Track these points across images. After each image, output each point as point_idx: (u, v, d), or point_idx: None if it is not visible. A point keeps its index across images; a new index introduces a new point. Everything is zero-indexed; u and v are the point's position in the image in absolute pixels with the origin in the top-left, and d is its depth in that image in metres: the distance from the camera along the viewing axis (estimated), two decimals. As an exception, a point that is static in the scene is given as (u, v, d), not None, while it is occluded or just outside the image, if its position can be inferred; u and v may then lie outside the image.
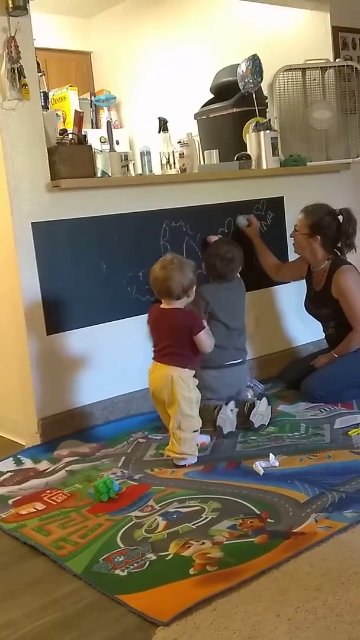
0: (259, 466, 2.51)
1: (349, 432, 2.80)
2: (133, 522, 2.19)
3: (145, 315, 3.20)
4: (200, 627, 1.63)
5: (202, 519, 2.17)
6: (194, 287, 2.76)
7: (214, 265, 3.16)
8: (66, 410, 3.03)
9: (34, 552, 2.08)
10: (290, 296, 3.77)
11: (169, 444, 2.70)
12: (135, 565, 1.93)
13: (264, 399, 2.99)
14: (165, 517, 2.20)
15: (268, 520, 2.12)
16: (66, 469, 2.70)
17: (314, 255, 3.38)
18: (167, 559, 1.95)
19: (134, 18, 5.23)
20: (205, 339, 2.73)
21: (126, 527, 2.16)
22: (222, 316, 3.13)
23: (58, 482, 2.58)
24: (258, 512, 2.17)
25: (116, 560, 1.96)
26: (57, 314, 2.97)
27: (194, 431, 2.68)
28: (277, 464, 2.54)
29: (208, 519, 2.16)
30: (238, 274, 3.33)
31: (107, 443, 2.95)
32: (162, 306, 2.76)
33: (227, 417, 2.90)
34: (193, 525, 2.13)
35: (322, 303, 3.39)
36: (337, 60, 3.99)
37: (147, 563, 1.93)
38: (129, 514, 2.24)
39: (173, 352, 2.69)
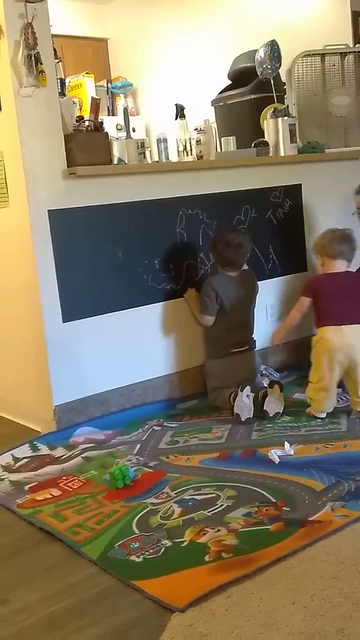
0: (275, 454, 2.50)
1: (366, 421, 2.78)
2: (148, 508, 2.20)
3: (160, 303, 3.21)
4: (216, 613, 1.63)
5: (218, 506, 2.17)
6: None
7: (222, 252, 3.15)
8: (82, 397, 3.04)
9: (50, 537, 2.10)
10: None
11: (356, 406, 2.86)
12: (151, 551, 1.93)
13: (276, 386, 2.98)
14: (181, 504, 2.20)
15: (284, 508, 2.11)
16: (82, 455, 2.71)
17: None
18: (182, 545, 1.95)
19: (151, 4, 5.20)
20: None
21: (141, 513, 2.17)
22: (229, 308, 3.15)
23: (74, 468, 2.60)
24: (274, 500, 2.17)
25: (132, 546, 1.97)
26: (73, 301, 2.98)
27: None
28: (292, 452, 2.53)
29: (223, 506, 2.16)
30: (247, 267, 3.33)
31: (123, 430, 2.96)
32: (336, 271, 2.96)
33: (244, 404, 2.90)
34: (208, 512, 2.13)
35: None
36: (357, 45, 3.94)
37: (163, 549, 1.94)
38: (144, 501, 2.25)
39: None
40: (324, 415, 2.89)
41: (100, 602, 1.75)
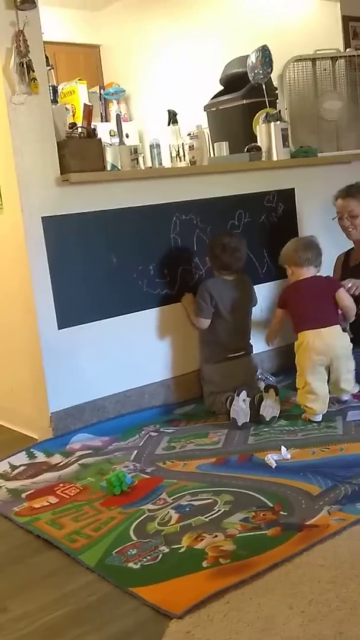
0: (271, 459, 2.50)
1: (362, 425, 2.79)
2: (146, 515, 2.20)
3: (156, 309, 3.22)
4: (214, 619, 1.63)
5: (215, 511, 2.17)
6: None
7: (218, 256, 3.17)
8: (78, 403, 3.03)
9: (47, 545, 2.09)
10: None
11: (337, 390, 3.02)
12: (148, 558, 1.93)
13: (271, 390, 2.98)
14: (178, 510, 2.20)
15: (281, 512, 2.11)
16: (79, 462, 2.71)
17: None
18: (180, 551, 1.95)
19: (143, 10, 5.22)
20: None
21: (139, 520, 2.17)
22: (224, 311, 3.16)
23: (71, 475, 2.59)
24: (271, 505, 2.17)
25: (129, 553, 1.97)
26: (68, 308, 2.98)
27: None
28: (289, 456, 2.53)
29: (221, 511, 2.16)
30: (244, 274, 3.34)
31: (120, 436, 2.96)
32: (304, 277, 3.07)
33: (241, 408, 2.91)
34: (206, 518, 2.13)
35: (356, 274, 3.37)
36: (347, 50, 3.96)
37: (160, 556, 1.94)
38: (141, 507, 2.25)
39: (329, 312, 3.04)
40: (319, 418, 2.91)
41: (99, 609, 1.75)
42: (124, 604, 1.75)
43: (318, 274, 3.13)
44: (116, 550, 1.99)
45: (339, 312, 3.09)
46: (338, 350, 2.97)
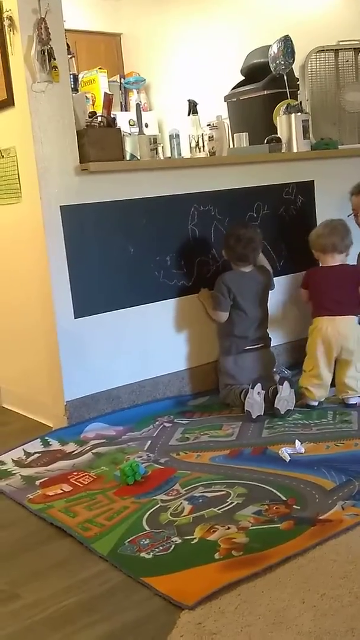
0: (285, 452, 2.49)
1: (378, 420, 2.77)
2: (159, 505, 2.20)
3: (172, 300, 3.22)
4: (225, 611, 1.63)
5: (228, 503, 2.16)
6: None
7: (234, 247, 3.15)
8: (93, 393, 3.04)
9: (60, 533, 2.10)
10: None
11: (342, 390, 2.98)
12: (161, 548, 1.94)
13: (286, 383, 2.97)
14: (191, 501, 2.20)
15: (294, 506, 2.11)
16: (93, 451, 2.72)
17: None
18: (192, 543, 1.95)
19: (164, -1, 5.19)
20: None
21: (152, 510, 2.17)
22: (243, 304, 3.15)
23: (85, 464, 2.60)
24: (284, 499, 2.17)
25: (142, 542, 1.97)
26: (84, 297, 2.98)
27: None
28: (303, 450, 2.52)
29: (234, 504, 2.16)
30: (265, 263, 3.32)
31: (134, 426, 2.96)
32: (330, 264, 3.06)
33: (255, 401, 2.90)
34: (218, 510, 2.13)
35: None
36: (371, 41, 3.91)
37: (173, 546, 1.94)
38: (154, 497, 2.25)
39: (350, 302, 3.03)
40: (316, 403, 2.98)
41: (110, 598, 1.76)
42: (136, 594, 1.76)
43: (345, 262, 3.11)
44: (129, 540, 2.00)
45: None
46: (349, 342, 2.96)
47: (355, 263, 3.52)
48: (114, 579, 1.84)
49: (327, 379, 3.00)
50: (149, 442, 2.77)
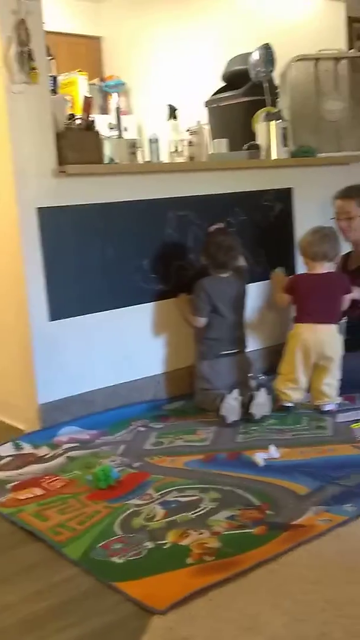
0: (260, 457, 2.49)
1: (352, 426, 2.78)
2: (131, 510, 2.18)
3: (149, 304, 3.22)
4: (196, 616, 1.62)
5: (201, 508, 2.16)
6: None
7: (214, 254, 3.16)
8: (67, 396, 3.02)
9: (31, 537, 2.08)
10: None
11: (318, 397, 2.99)
12: (133, 553, 1.92)
13: (263, 389, 2.98)
14: (164, 506, 2.19)
15: (267, 511, 2.11)
16: (66, 455, 2.69)
17: None
18: (164, 547, 1.94)
19: (146, 3, 5.20)
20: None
21: (124, 514, 2.15)
22: (221, 309, 3.16)
23: (57, 468, 2.58)
24: (257, 504, 2.16)
25: (113, 547, 1.96)
26: (60, 300, 2.96)
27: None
28: (277, 455, 2.53)
29: (207, 508, 2.15)
30: (244, 264, 3.34)
31: (108, 430, 2.94)
32: (318, 272, 3.06)
33: (231, 406, 2.90)
34: (192, 514, 2.12)
35: (355, 278, 3.36)
36: (351, 51, 3.95)
37: (145, 551, 1.93)
38: (127, 502, 2.24)
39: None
40: (291, 404, 3.01)
41: (81, 603, 1.74)
42: (107, 599, 1.74)
43: (331, 270, 3.14)
44: (100, 544, 1.98)
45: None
46: (328, 349, 2.98)
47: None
48: (85, 583, 1.82)
49: (303, 383, 3.02)
50: (123, 446, 2.76)
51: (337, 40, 3.96)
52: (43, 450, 2.76)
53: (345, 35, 3.97)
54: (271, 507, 2.13)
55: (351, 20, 3.99)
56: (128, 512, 2.17)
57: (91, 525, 2.10)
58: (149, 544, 1.96)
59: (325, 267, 3.10)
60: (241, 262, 3.34)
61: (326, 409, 2.98)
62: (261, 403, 2.94)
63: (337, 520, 2.01)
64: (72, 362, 3.02)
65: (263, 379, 3.39)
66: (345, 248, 3.55)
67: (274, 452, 2.54)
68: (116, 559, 1.89)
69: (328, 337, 3.00)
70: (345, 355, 3.08)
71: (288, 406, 3.01)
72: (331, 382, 3.00)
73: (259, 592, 1.70)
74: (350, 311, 3.26)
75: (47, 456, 2.70)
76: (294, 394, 3.02)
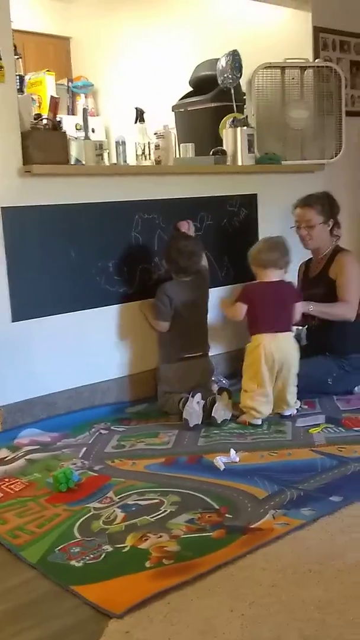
0: (220, 461, 2.51)
1: (310, 430, 2.82)
2: (91, 513, 2.18)
3: (113, 306, 3.21)
4: (154, 620, 1.63)
5: (161, 512, 2.16)
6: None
7: (176, 259, 3.17)
8: (28, 398, 3.00)
9: (-11, 540, 2.06)
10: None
11: (280, 405, 3.00)
12: (91, 556, 1.92)
13: (224, 393, 3.00)
14: (124, 509, 2.19)
15: (226, 515, 2.12)
16: (26, 457, 2.67)
17: (326, 242, 3.47)
18: (123, 551, 1.94)
19: (115, 5, 5.18)
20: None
21: (84, 518, 2.15)
22: (183, 313, 3.17)
23: (17, 470, 2.56)
24: (217, 507, 2.18)
25: (72, 551, 1.95)
26: (23, 301, 2.93)
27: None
28: (237, 459, 2.55)
29: (167, 512, 2.16)
30: (206, 267, 3.36)
31: (69, 433, 2.93)
32: (269, 280, 3.06)
33: (194, 410, 2.91)
34: (151, 518, 2.12)
35: (315, 285, 3.43)
36: (316, 60, 4.00)
37: (103, 555, 1.92)
38: (87, 505, 2.23)
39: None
40: (260, 422, 2.95)
41: (38, 606, 1.73)
42: (64, 602, 1.74)
43: (283, 278, 3.12)
44: (59, 548, 1.97)
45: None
46: (291, 358, 3.00)
47: (296, 278, 3.60)
48: (43, 587, 1.81)
49: (271, 395, 3.00)
50: (84, 449, 2.75)
51: (303, 50, 4.00)
52: (3, 453, 2.73)
53: (311, 45, 4.02)
54: (230, 511, 2.15)
55: (317, 30, 4.04)
56: (88, 515, 2.16)
57: (50, 528, 2.09)
58: (108, 548, 1.96)
59: (276, 275, 3.08)
60: (204, 266, 3.37)
61: (286, 414, 3.01)
62: (222, 407, 2.96)
63: (295, 524, 2.03)
64: (35, 363, 3.00)
65: (225, 382, 3.41)
66: (301, 257, 3.59)
67: (234, 456, 2.56)
68: (75, 563, 1.89)
69: (288, 346, 3.02)
70: (304, 361, 3.12)
71: (257, 424, 2.93)
72: (293, 390, 3.02)
73: (216, 596, 1.71)
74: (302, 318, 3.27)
75: (7, 458, 2.67)
76: (265, 409, 2.97)
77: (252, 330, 3.07)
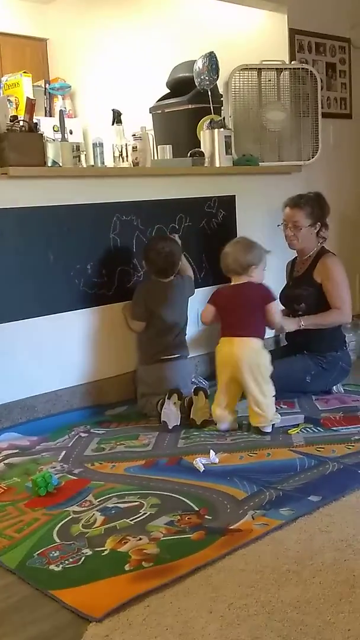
0: (200, 463, 2.51)
1: (289, 431, 2.83)
2: (70, 517, 2.17)
3: (92, 308, 3.20)
4: (133, 623, 1.63)
5: (141, 514, 2.16)
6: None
7: (154, 260, 3.17)
8: (7, 402, 2.98)
9: (-33, 546, 2.04)
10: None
11: (253, 417, 2.83)
12: (71, 560, 1.91)
13: (201, 393, 2.99)
14: (104, 513, 2.18)
15: (206, 516, 2.13)
16: (5, 461, 2.66)
17: (311, 244, 3.45)
18: (103, 554, 1.94)
19: (92, 7, 5.17)
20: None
21: (63, 521, 2.14)
22: (161, 314, 3.18)
23: (-4, 475, 2.54)
24: (196, 509, 2.18)
25: (51, 555, 1.94)
26: (1, 303, 2.92)
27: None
28: (217, 460, 2.55)
29: (146, 514, 2.16)
30: (188, 270, 3.37)
31: (49, 436, 2.92)
32: (233, 283, 2.94)
33: (171, 411, 2.91)
34: (131, 520, 2.12)
35: (299, 285, 3.43)
36: (292, 62, 4.02)
37: (83, 558, 1.92)
38: (66, 509, 2.22)
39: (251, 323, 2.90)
40: (222, 427, 2.89)
41: (17, 611, 1.72)
42: (43, 607, 1.73)
43: (251, 281, 2.95)
44: (38, 552, 1.96)
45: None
46: (243, 363, 2.81)
47: (285, 273, 3.60)
48: (21, 592, 1.80)
49: (225, 403, 2.89)
50: (64, 452, 2.74)
51: (279, 52, 4.02)
52: (-19, 457, 2.72)
53: (287, 47, 4.04)
54: (210, 512, 2.15)
55: (293, 32, 4.06)
56: (67, 519, 2.16)
57: (29, 533, 2.08)
58: (88, 551, 1.95)
59: (242, 278, 2.94)
60: (185, 266, 3.37)
61: (265, 431, 2.82)
62: (200, 408, 2.96)
63: (274, 525, 2.04)
64: (13, 367, 2.98)
65: (204, 384, 3.42)
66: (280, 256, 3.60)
67: (213, 457, 2.56)
68: (54, 567, 1.88)
69: (244, 352, 2.83)
70: (282, 361, 3.13)
71: (222, 430, 2.87)
72: (261, 400, 2.82)
73: (195, 598, 1.71)
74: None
75: (-14, 463, 2.66)
76: (219, 414, 2.88)
77: (220, 333, 2.98)
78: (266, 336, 3.62)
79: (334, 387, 3.38)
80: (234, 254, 2.95)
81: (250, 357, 2.84)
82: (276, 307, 3.03)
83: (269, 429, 2.82)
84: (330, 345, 3.36)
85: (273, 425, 2.84)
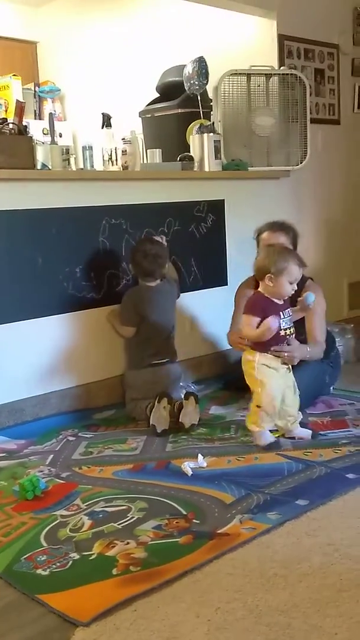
0: (187, 467, 2.52)
1: (274, 434, 2.84)
2: (58, 521, 2.16)
3: (80, 312, 3.20)
4: (120, 627, 1.62)
5: (128, 518, 2.16)
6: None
7: (140, 262, 3.18)
8: (-5, 405, 2.97)
9: None
10: (226, 298, 3.79)
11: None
12: (58, 564, 1.91)
13: (191, 398, 3.00)
14: (91, 517, 2.18)
15: (194, 520, 2.13)
16: (-8, 465, 2.65)
17: None
18: (90, 558, 1.93)
19: (83, 10, 5.18)
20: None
21: (50, 526, 2.13)
22: (150, 318, 3.18)
23: (-17, 478, 2.53)
24: (184, 513, 2.18)
25: (38, 559, 1.94)
26: (-11, 307, 2.91)
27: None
28: (205, 464, 2.55)
29: (134, 518, 2.16)
30: (174, 273, 3.37)
31: (36, 440, 2.91)
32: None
33: (161, 415, 2.91)
34: (119, 525, 2.12)
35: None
36: (281, 68, 4.04)
37: (70, 562, 1.91)
38: (54, 513, 2.22)
39: None
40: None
41: (3, 616, 1.71)
42: (30, 611, 1.72)
43: (264, 288, 2.71)
44: (25, 556, 1.95)
45: None
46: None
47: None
48: (8, 596, 1.79)
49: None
50: (52, 456, 2.73)
51: (268, 57, 4.04)
52: (-32, 461, 2.70)
53: (276, 53, 4.06)
54: (197, 516, 2.15)
55: (282, 38, 4.09)
56: (54, 523, 2.15)
57: (16, 537, 2.07)
58: (75, 555, 1.95)
59: (261, 284, 2.73)
60: (171, 270, 3.38)
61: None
62: (190, 412, 2.97)
63: (261, 528, 2.05)
64: (1, 369, 2.97)
65: (193, 388, 3.42)
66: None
67: (201, 461, 2.56)
68: (41, 571, 1.87)
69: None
70: (300, 371, 3.10)
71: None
72: (253, 409, 2.74)
73: (182, 602, 1.71)
74: None
75: (-27, 467, 2.65)
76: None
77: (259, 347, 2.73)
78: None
79: (331, 387, 3.42)
80: (258, 256, 2.83)
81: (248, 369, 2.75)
82: (247, 320, 2.70)
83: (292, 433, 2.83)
84: (330, 345, 3.37)
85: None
